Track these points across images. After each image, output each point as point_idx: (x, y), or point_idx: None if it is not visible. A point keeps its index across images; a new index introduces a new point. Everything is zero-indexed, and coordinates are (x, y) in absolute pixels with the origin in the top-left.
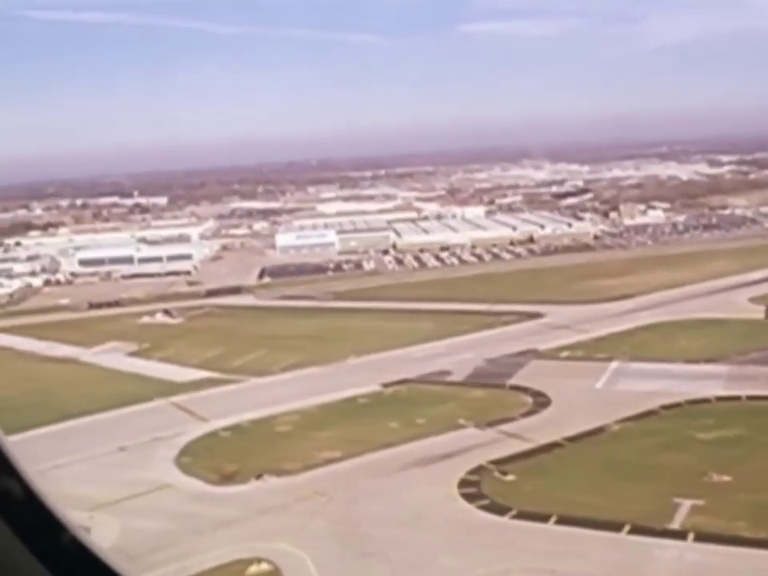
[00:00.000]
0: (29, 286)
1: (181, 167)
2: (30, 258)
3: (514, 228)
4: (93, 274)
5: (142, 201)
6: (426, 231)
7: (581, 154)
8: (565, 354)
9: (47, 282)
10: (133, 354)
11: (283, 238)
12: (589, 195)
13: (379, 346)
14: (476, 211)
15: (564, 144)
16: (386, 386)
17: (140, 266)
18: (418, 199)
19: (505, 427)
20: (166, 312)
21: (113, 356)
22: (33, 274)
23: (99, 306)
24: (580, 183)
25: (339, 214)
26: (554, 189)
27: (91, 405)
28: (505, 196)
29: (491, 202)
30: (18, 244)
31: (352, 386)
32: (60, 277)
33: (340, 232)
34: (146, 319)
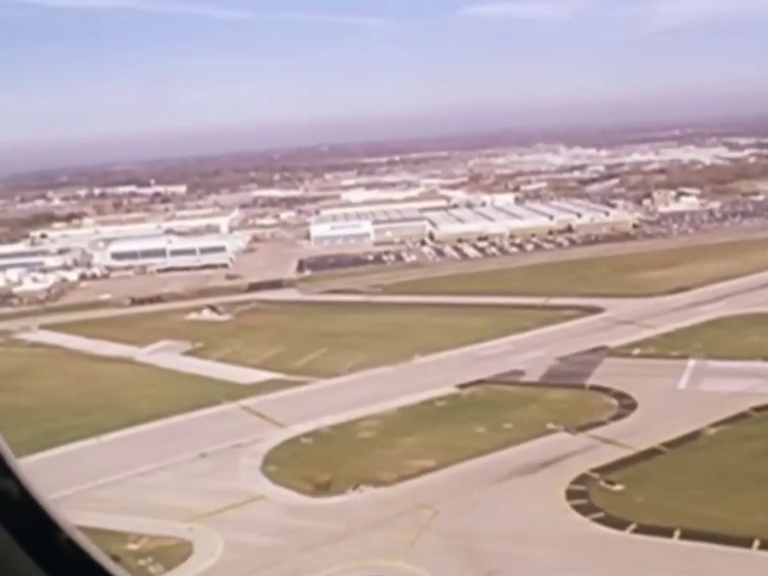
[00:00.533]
0: (64, 280)
1: (189, 154)
2: (61, 252)
3: (551, 217)
4: (127, 268)
5: (161, 190)
6: (461, 221)
7: (594, 137)
8: (637, 351)
9: (82, 277)
10: (188, 353)
11: (318, 229)
12: (614, 181)
13: (442, 343)
14: (505, 198)
15: (575, 127)
16: (462, 387)
17: (173, 258)
18: (442, 186)
19: (596, 432)
20: (212, 308)
21: (168, 355)
22: (66, 267)
23: (141, 301)
24: (601, 168)
25: (366, 202)
26: (576, 174)
27: (158, 408)
28: (528, 182)
29: (516, 189)
30: (43, 236)
31: (426, 388)
32: (95, 271)
33: (375, 222)
34: (192, 316)
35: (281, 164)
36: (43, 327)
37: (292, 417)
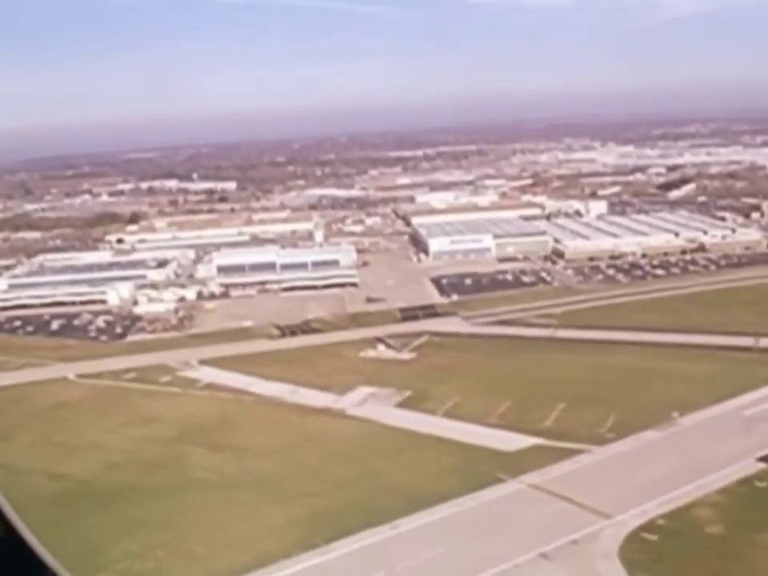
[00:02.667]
0: (182, 299)
1: (201, 140)
2: (161, 264)
3: (677, 234)
4: (244, 285)
5: (210, 186)
6: (584, 236)
7: (616, 131)
8: None
9: (200, 295)
10: (402, 405)
11: (437, 243)
12: (690, 186)
13: (687, 397)
14: (599, 207)
15: (588, 118)
16: (764, 460)
17: (285, 273)
18: (514, 189)
19: None
20: (383, 342)
21: (380, 407)
22: (181, 285)
23: (293, 331)
24: (662, 170)
25: (453, 209)
26: (639, 176)
27: (434, 484)
28: (602, 186)
29: (593, 194)
30: (120, 241)
31: (723, 461)
32: (213, 289)
33: (496, 237)
34: (371, 353)
35: (307, 155)
36: (204, 363)
37: (603, 501)
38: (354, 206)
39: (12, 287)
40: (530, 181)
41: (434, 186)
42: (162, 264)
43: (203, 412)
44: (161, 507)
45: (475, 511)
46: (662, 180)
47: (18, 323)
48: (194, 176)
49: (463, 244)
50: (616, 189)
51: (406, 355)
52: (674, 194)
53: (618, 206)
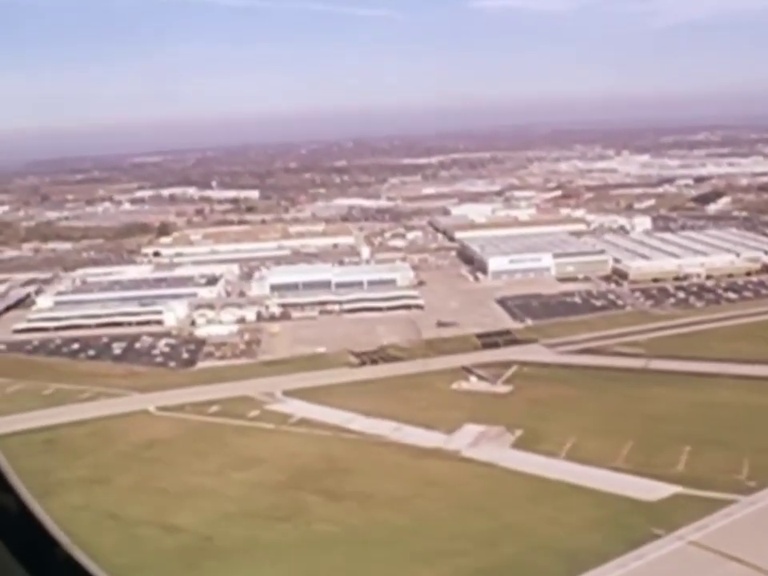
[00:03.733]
0: (241, 320)
1: (205, 144)
2: (210, 281)
3: (737, 254)
4: (303, 305)
5: (232, 194)
6: (641, 255)
7: (625, 138)
8: None
9: (260, 316)
10: (518, 446)
11: (496, 262)
12: (725, 199)
13: None
14: (644, 223)
15: (591, 124)
16: None
17: (341, 291)
18: (546, 201)
19: None
20: (474, 372)
21: (495, 449)
22: (238, 305)
23: (373, 360)
24: (690, 182)
25: (494, 224)
26: (667, 187)
27: (586, 540)
28: (637, 199)
29: (629, 207)
30: (156, 254)
31: None
32: (273, 310)
33: (556, 256)
34: (464, 386)
35: (318, 160)
36: (288, 394)
37: None
38: (386, 217)
39: (59, 305)
40: (559, 192)
41: (461, 197)
42: (211, 281)
43: (306, 452)
44: (295, 568)
45: (636, 571)
46: (693, 192)
47: (76, 346)
48: (213, 183)
49: (522, 263)
50: (651, 202)
51: (501, 388)
52: (712, 207)
53: (659, 221)
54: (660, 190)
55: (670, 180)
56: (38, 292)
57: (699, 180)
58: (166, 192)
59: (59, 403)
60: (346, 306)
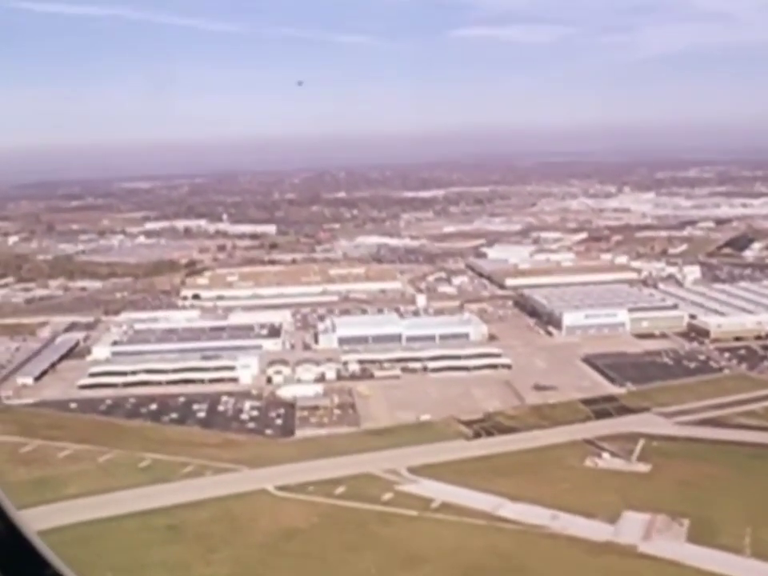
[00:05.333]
0: (321, 378)
1: (198, 170)
2: (272, 333)
3: None
4: (381, 362)
5: (247, 228)
6: (711, 310)
7: (620, 173)
8: None
9: (339, 375)
10: (694, 539)
11: (571, 317)
12: (759, 244)
13: None
14: (693, 272)
15: (578, 155)
16: None
17: (413, 346)
18: (577, 244)
19: None
20: (604, 448)
21: (672, 543)
22: (315, 361)
23: (487, 431)
24: (711, 224)
25: (542, 271)
26: (691, 231)
27: None
28: (670, 244)
29: (664, 252)
30: (196, 297)
31: None
32: (353, 367)
33: (630, 310)
34: (600, 464)
35: (317, 190)
36: (413, 472)
37: None
38: (420, 258)
39: (116, 356)
40: (585, 234)
41: (485, 236)
42: (273, 332)
43: (469, 547)
44: None
45: None
46: (719, 236)
47: (154, 406)
48: (224, 216)
49: (597, 318)
50: (683, 247)
51: (639, 467)
52: (748, 254)
53: (704, 268)
54: (685, 233)
55: (690, 222)
56: (86, 339)
57: (720, 223)
58: (178, 224)
59: (164, 479)
60: (431, 365)
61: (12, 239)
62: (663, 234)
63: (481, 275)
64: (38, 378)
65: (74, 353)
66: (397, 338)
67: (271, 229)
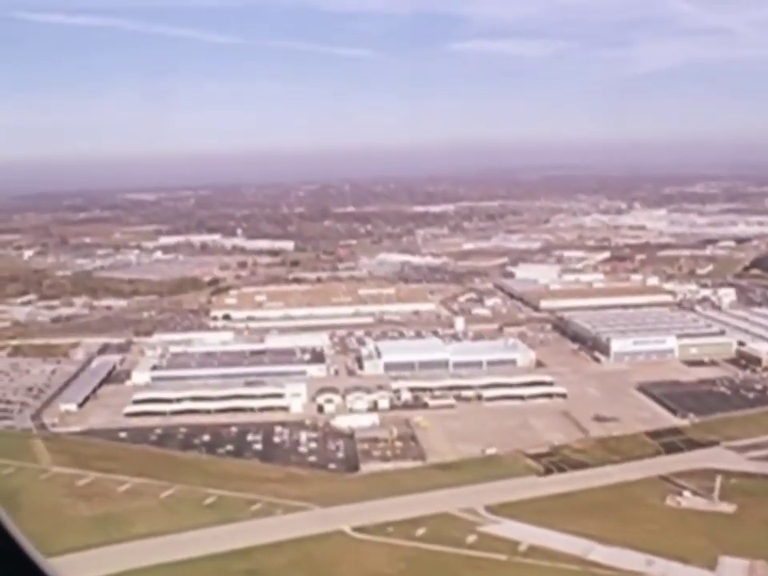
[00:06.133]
0: (374, 407)
1: (198, 182)
2: (315, 358)
3: None
4: (432, 390)
5: (265, 244)
6: (760, 336)
7: (626, 188)
8: None
9: (392, 405)
10: None
11: (619, 344)
12: None
13: None
14: (729, 294)
15: (579, 169)
16: None
17: (461, 373)
18: (601, 263)
19: None
20: (682, 485)
21: None
22: (366, 389)
23: (558, 466)
24: (732, 243)
25: (577, 293)
26: (711, 250)
27: None
28: (696, 264)
29: (692, 273)
30: (226, 317)
31: None
32: (405, 396)
33: (680, 336)
34: (683, 503)
35: (324, 203)
36: (491, 511)
37: None
38: (445, 278)
39: (156, 381)
40: (608, 254)
41: (506, 254)
42: (316, 357)
43: None
44: None
45: None
46: (742, 255)
47: (207, 437)
48: (238, 231)
49: (645, 345)
50: (710, 267)
51: (724, 507)
52: None
53: (735, 289)
54: (707, 252)
55: (710, 241)
56: (122, 362)
57: (740, 241)
58: (193, 239)
59: (233, 518)
60: (485, 393)
61: (27, 253)
62: (685, 252)
63: (511, 296)
64: (80, 405)
65: (112, 377)
66: (443, 363)
67: (288, 245)
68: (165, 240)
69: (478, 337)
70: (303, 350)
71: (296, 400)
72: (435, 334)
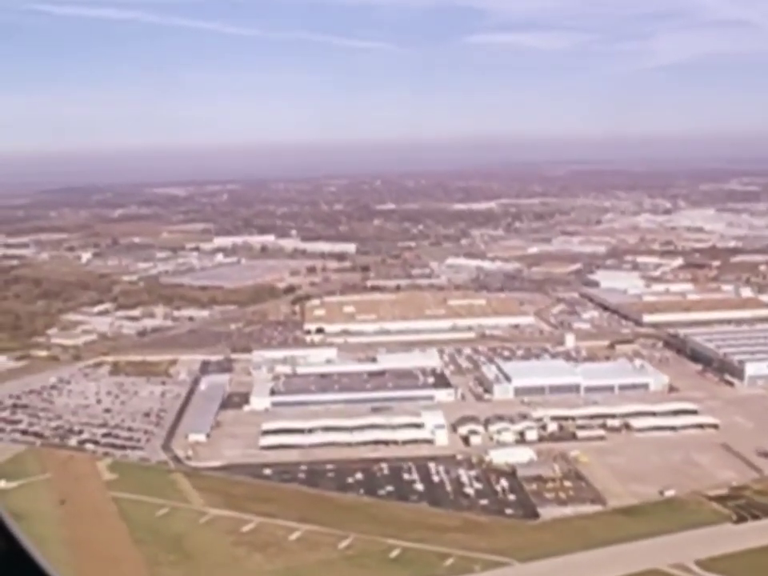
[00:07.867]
0: (521, 438)
1: (223, 176)
2: (440, 381)
3: None
4: (574, 418)
5: (326, 246)
6: None
7: (663, 184)
8: None
9: (540, 437)
10: None
11: (754, 367)
12: None
13: None
14: None
15: (603, 164)
16: None
17: (589, 396)
18: (681, 269)
19: None
20: None
21: None
22: (510, 420)
23: (752, 513)
24: None
25: (678, 307)
26: None
27: None
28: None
29: None
30: (320, 331)
31: None
32: (549, 426)
33: None
34: None
35: (360, 199)
36: (705, 567)
37: None
38: (525, 285)
39: (277, 406)
40: (679, 259)
41: (570, 258)
42: (440, 380)
43: None
44: None
45: None
46: None
47: (360, 476)
48: (293, 232)
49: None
50: None
51: None
52: None
53: None
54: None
55: None
56: (230, 382)
57: None
58: (251, 240)
59: (430, 575)
60: (634, 424)
61: (85, 256)
62: (758, 258)
63: (604, 308)
64: (208, 435)
65: (227, 401)
66: (575, 388)
67: (349, 247)
68: (220, 241)
69: (592, 356)
70: (423, 372)
71: (440, 432)
72: (546, 351)
